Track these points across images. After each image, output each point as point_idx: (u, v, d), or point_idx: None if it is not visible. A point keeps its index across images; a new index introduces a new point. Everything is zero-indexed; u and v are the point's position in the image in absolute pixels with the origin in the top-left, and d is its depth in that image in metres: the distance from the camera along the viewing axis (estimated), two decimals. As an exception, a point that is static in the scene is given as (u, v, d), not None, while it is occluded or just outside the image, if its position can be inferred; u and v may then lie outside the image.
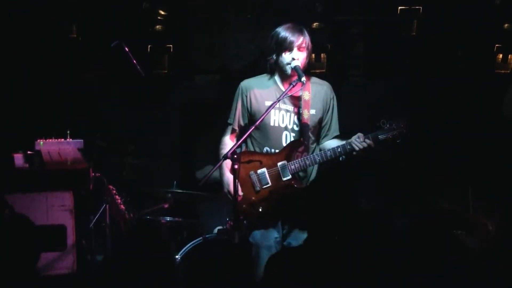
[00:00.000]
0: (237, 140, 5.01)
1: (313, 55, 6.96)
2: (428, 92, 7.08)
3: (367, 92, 7.31)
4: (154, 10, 7.04)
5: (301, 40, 4.93)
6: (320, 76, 5.37)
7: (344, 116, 5.29)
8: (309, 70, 5.24)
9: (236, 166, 4.53)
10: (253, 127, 4.77)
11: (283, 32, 4.96)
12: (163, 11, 7.07)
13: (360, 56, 7.32)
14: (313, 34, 6.86)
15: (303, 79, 4.82)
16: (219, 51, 7.22)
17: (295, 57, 4.90)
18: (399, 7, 6.92)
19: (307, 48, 4.98)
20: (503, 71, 6.98)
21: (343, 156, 4.87)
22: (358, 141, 4.79)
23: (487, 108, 6.95)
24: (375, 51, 7.22)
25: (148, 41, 7.08)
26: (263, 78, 5.11)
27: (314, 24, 7.03)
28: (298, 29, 4.98)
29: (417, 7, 6.90)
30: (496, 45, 6.97)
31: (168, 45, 7.13)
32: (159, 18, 7.09)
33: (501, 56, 6.96)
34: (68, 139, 6.18)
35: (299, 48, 4.92)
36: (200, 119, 7.23)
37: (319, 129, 5.08)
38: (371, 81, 7.34)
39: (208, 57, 7.28)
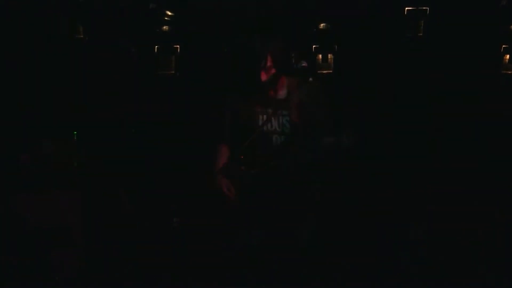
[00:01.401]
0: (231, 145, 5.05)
1: (320, 56, 6.95)
2: (432, 93, 7.07)
3: (371, 92, 7.30)
4: (161, 11, 7.06)
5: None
6: (326, 77, 5.31)
7: (347, 116, 5.26)
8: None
9: (242, 168, 4.54)
10: (258, 129, 4.74)
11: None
12: (170, 11, 7.09)
13: (365, 57, 7.32)
14: (319, 35, 6.92)
15: (310, 79, 4.77)
16: (225, 52, 7.23)
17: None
18: (406, 8, 6.92)
19: (274, 58, 4.73)
20: (510, 72, 6.96)
21: (323, 154, 4.81)
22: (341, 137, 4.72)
23: (493, 109, 6.93)
24: (380, 51, 7.22)
25: (155, 41, 7.11)
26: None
27: (321, 25, 7.03)
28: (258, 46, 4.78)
29: (424, 8, 6.88)
30: (503, 45, 6.95)
31: (175, 46, 7.15)
32: (166, 18, 7.11)
33: (508, 56, 6.94)
34: (74, 140, 6.22)
35: (261, 69, 4.73)
36: (207, 120, 7.23)
37: (309, 127, 5.02)
38: (375, 81, 7.33)
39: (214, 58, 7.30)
